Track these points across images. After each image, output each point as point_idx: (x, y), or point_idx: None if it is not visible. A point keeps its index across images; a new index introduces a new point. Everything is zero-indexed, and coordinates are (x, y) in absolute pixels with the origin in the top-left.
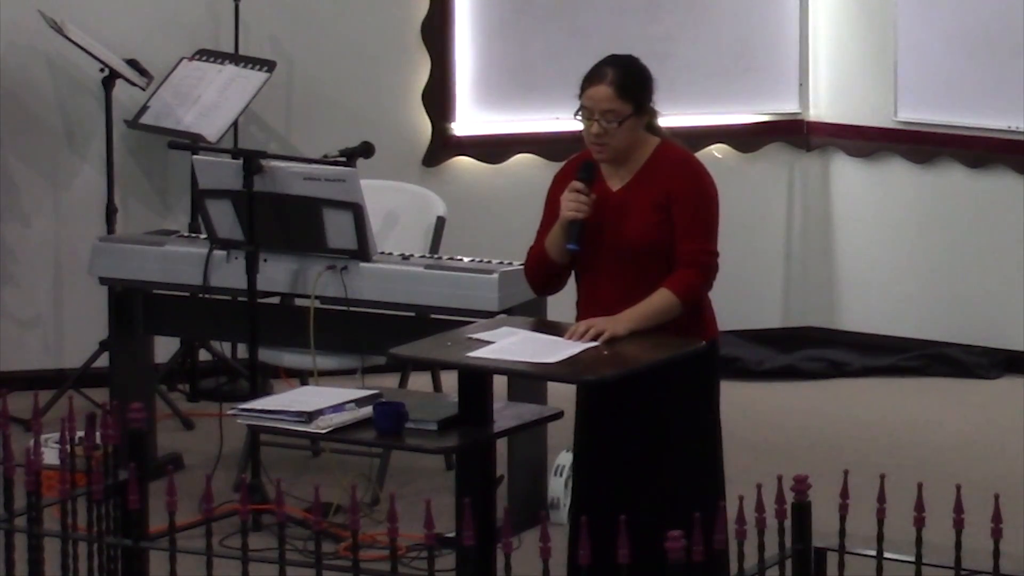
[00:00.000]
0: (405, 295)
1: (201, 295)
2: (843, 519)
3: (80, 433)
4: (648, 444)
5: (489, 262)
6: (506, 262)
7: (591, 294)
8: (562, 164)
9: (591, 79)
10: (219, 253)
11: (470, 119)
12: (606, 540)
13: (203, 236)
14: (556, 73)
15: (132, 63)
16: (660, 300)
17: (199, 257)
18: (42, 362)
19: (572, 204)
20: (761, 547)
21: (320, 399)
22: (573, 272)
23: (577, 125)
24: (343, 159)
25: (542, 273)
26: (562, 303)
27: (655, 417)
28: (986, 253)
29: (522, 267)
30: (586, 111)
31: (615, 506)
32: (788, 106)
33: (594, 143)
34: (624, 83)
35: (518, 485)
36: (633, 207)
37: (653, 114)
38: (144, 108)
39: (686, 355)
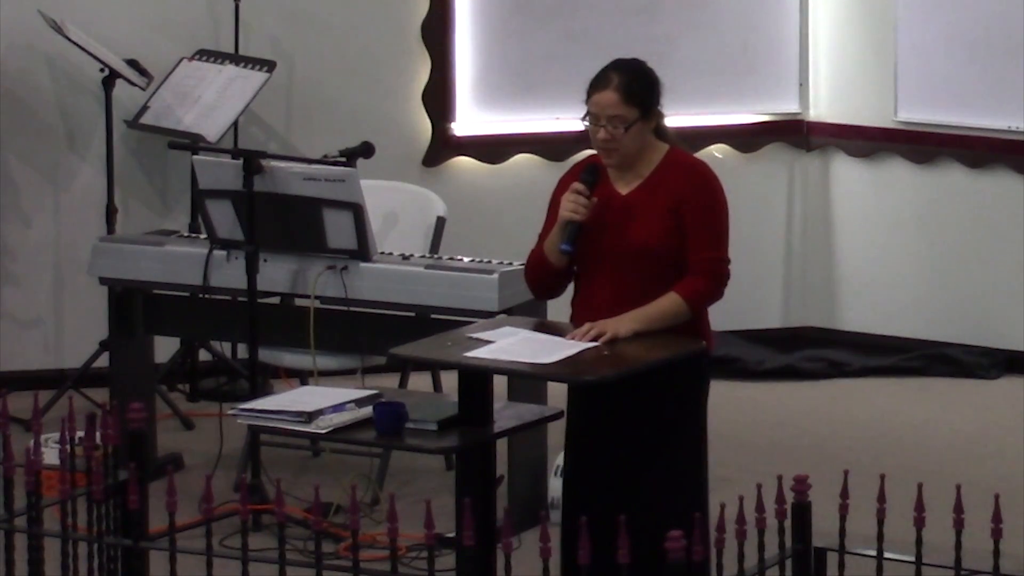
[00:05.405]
0: (405, 295)
1: (201, 295)
2: (843, 519)
3: (80, 433)
4: (635, 449)
5: (489, 262)
6: (506, 262)
7: (587, 297)
8: (563, 164)
9: (597, 85)
10: (219, 253)
11: (470, 119)
12: (599, 541)
13: (203, 236)
14: (556, 73)
15: (132, 63)
16: (668, 304)
17: (199, 257)
18: (42, 362)
19: (571, 205)
20: (761, 547)
21: (320, 399)
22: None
23: (578, 125)
24: (343, 159)
25: (540, 276)
26: (563, 303)
27: (644, 422)
28: (986, 253)
29: (522, 267)
30: (593, 117)
31: (603, 508)
32: (788, 106)
33: (602, 148)
34: (630, 88)
35: (518, 485)
36: (641, 212)
37: (660, 116)
38: (144, 108)
39: (686, 356)
